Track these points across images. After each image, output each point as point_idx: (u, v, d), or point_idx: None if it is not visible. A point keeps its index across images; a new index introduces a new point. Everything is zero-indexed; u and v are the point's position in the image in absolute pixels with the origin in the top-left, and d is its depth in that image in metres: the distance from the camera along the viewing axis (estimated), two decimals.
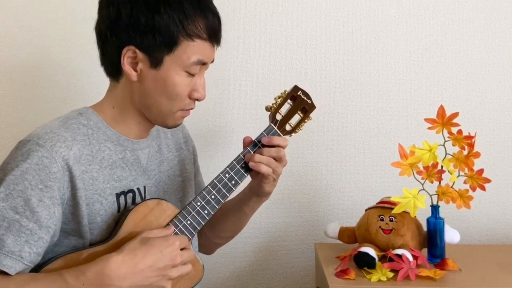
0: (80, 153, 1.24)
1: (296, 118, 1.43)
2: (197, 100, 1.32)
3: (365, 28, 1.83)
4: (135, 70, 1.26)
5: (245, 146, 1.39)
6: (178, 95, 1.28)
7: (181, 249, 1.25)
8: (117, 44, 1.26)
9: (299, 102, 1.43)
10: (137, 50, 1.24)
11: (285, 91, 1.42)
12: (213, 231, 1.56)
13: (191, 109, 1.34)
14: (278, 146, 1.37)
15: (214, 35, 1.29)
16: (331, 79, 1.85)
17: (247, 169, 1.37)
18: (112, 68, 1.30)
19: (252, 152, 1.37)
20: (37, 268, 1.20)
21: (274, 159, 1.37)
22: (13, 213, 1.16)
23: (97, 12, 1.30)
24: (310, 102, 1.44)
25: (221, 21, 1.31)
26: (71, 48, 1.81)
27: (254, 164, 1.35)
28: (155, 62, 1.25)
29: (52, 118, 1.33)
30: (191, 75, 1.28)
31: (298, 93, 1.43)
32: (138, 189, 1.33)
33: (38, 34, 1.80)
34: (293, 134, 1.44)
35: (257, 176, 1.40)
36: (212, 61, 1.34)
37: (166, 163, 1.43)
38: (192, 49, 1.25)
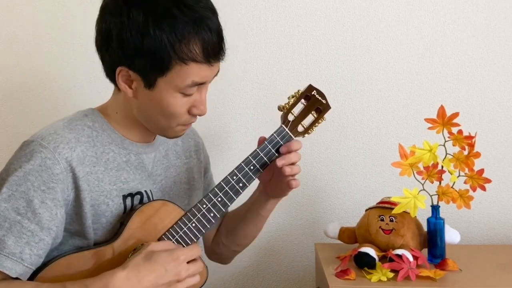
0: (84, 154, 1.23)
1: (309, 118, 1.37)
2: (198, 115, 1.29)
3: (365, 28, 1.83)
4: (131, 88, 1.24)
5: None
6: (174, 114, 1.25)
7: (188, 262, 1.23)
8: (110, 62, 1.24)
9: (313, 102, 1.37)
10: (130, 71, 1.22)
11: (298, 91, 1.37)
12: (231, 240, 1.54)
13: (192, 122, 1.32)
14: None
15: (212, 55, 1.22)
16: (331, 79, 1.85)
17: (256, 171, 1.33)
18: (111, 80, 1.29)
19: (261, 154, 1.33)
20: (40, 267, 1.20)
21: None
22: (15, 214, 1.16)
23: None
24: (325, 102, 1.38)
25: (222, 36, 1.24)
26: (71, 48, 1.80)
27: (288, 170, 1.32)
28: (148, 84, 1.22)
29: (51, 118, 1.33)
30: (188, 95, 1.24)
31: (313, 93, 1.37)
32: (145, 191, 1.33)
33: (38, 34, 1.80)
34: (305, 136, 1.39)
35: (279, 184, 1.37)
36: (216, 74, 1.29)
37: (173, 169, 1.42)
38: (186, 72, 1.20)
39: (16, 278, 1.16)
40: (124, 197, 1.28)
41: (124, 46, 1.20)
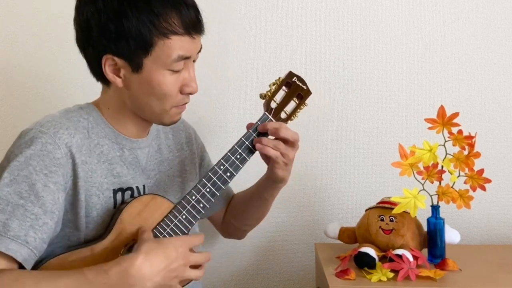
0: (82, 142, 1.24)
1: (291, 105, 1.40)
2: (190, 94, 1.30)
3: (365, 28, 1.83)
4: (119, 77, 1.25)
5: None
6: (166, 94, 1.26)
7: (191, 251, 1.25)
8: (95, 54, 1.25)
9: (294, 89, 1.39)
10: (115, 58, 1.23)
11: (279, 78, 1.39)
12: (238, 220, 1.58)
13: (186, 103, 1.32)
14: (274, 130, 1.35)
15: (192, 28, 1.25)
16: (331, 79, 1.85)
17: (243, 160, 1.35)
18: (99, 76, 1.30)
19: (247, 142, 1.35)
20: (33, 268, 1.18)
21: (284, 142, 1.36)
22: (17, 198, 1.15)
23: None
24: (305, 88, 1.40)
25: (198, 10, 1.27)
26: (71, 48, 1.79)
27: (260, 146, 1.34)
28: (136, 67, 1.23)
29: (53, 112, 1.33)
30: (176, 72, 1.26)
31: (293, 79, 1.39)
32: (137, 187, 1.33)
33: (38, 34, 1.80)
34: (289, 122, 1.40)
35: (267, 158, 1.39)
36: (199, 51, 1.30)
37: (166, 163, 1.43)
38: (170, 46, 1.23)
39: (21, 266, 1.15)
40: (115, 191, 1.29)
41: (105, 32, 1.22)
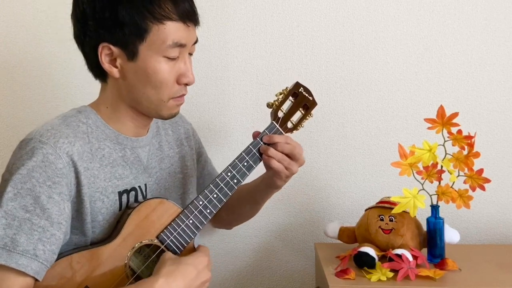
0: (82, 149, 1.24)
1: (297, 115, 1.43)
2: (187, 85, 1.30)
3: (365, 28, 1.84)
4: (115, 66, 1.26)
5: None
6: (162, 82, 1.26)
7: None
8: (91, 44, 1.25)
9: (301, 99, 1.43)
10: (111, 46, 1.24)
11: (286, 88, 1.42)
12: (229, 215, 1.59)
13: (183, 95, 1.32)
14: (281, 145, 1.37)
15: (186, 16, 1.25)
16: (331, 79, 1.85)
17: (250, 167, 1.37)
18: (97, 69, 1.30)
19: (254, 150, 1.37)
20: None
21: (289, 156, 1.37)
22: (23, 212, 1.15)
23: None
24: (311, 99, 1.44)
25: (192, 0, 1.28)
26: (71, 48, 1.79)
27: (266, 158, 1.36)
28: (131, 54, 1.24)
29: (52, 118, 1.33)
30: (171, 59, 1.25)
31: (300, 90, 1.43)
32: (139, 187, 1.33)
33: (38, 34, 1.81)
34: (294, 132, 1.44)
35: (270, 169, 1.39)
36: (196, 42, 1.31)
37: (167, 160, 1.43)
38: (164, 32, 1.23)
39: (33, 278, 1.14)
40: (120, 194, 1.29)
41: (100, 21, 1.22)
